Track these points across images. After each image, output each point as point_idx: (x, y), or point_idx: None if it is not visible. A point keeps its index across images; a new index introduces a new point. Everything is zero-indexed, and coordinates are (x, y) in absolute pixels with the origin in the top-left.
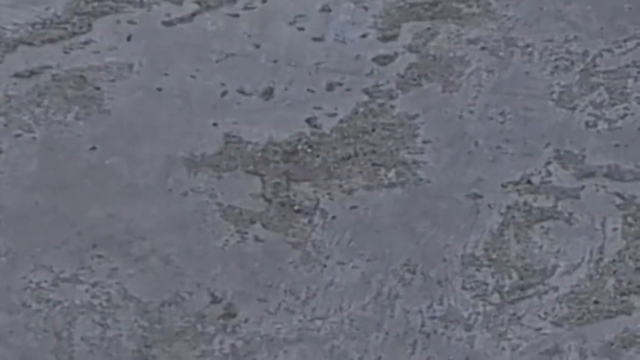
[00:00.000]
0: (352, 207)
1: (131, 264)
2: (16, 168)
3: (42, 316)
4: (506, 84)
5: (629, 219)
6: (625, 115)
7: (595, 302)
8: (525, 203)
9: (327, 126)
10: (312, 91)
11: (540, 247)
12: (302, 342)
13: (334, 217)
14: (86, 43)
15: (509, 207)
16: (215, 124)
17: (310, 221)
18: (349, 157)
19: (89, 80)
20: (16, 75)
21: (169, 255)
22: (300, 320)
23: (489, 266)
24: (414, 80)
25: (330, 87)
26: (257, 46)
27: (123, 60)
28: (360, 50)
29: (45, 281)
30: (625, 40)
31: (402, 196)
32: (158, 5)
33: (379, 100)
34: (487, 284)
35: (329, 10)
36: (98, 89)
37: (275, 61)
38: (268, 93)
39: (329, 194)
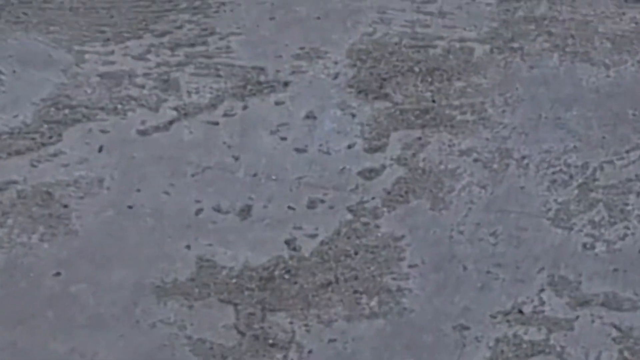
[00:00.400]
0: (330, 341)
1: None
2: None
3: None
4: (499, 200)
5: (626, 354)
6: (625, 235)
7: None
8: (515, 335)
9: (307, 248)
10: (293, 209)
11: None
12: None
13: (310, 352)
14: (55, 155)
15: (497, 340)
16: (188, 246)
17: (285, 356)
18: (329, 284)
19: (56, 197)
20: None
21: None
22: None
23: None
24: (401, 196)
25: (312, 204)
26: (236, 158)
27: (93, 174)
28: (345, 162)
29: None
30: (627, 151)
31: (385, 328)
32: (133, 112)
33: (363, 219)
34: None
35: (314, 118)
36: (66, 206)
37: (255, 175)
38: (245, 211)
39: (306, 325)
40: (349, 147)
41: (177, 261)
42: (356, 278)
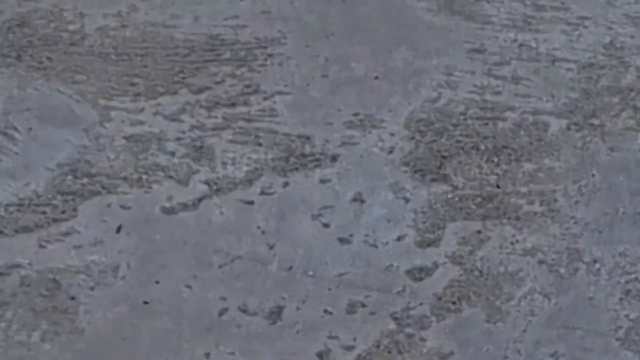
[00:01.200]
0: None
1: None
2: None
3: None
4: (564, 313)
5: None
6: None
7: None
8: None
9: None
10: (330, 313)
11: None
12: None
13: None
14: (67, 234)
15: None
16: (207, 355)
17: None
18: None
19: (63, 287)
20: None
21: None
22: None
23: None
24: (453, 303)
25: (351, 308)
26: (271, 247)
27: (108, 260)
28: (393, 258)
29: None
30: None
31: None
32: (159, 184)
33: (408, 330)
34: None
35: (362, 201)
36: (73, 299)
37: (290, 268)
38: (276, 313)
39: None
40: (399, 239)
41: None
42: None
